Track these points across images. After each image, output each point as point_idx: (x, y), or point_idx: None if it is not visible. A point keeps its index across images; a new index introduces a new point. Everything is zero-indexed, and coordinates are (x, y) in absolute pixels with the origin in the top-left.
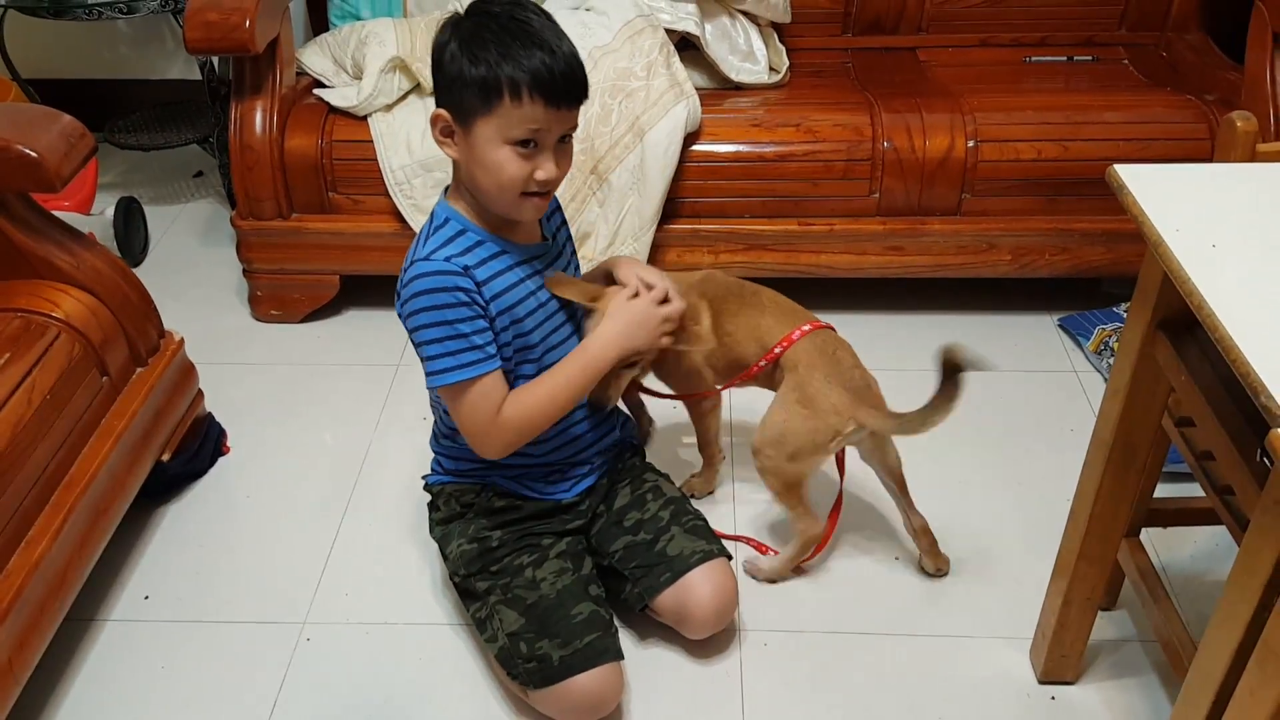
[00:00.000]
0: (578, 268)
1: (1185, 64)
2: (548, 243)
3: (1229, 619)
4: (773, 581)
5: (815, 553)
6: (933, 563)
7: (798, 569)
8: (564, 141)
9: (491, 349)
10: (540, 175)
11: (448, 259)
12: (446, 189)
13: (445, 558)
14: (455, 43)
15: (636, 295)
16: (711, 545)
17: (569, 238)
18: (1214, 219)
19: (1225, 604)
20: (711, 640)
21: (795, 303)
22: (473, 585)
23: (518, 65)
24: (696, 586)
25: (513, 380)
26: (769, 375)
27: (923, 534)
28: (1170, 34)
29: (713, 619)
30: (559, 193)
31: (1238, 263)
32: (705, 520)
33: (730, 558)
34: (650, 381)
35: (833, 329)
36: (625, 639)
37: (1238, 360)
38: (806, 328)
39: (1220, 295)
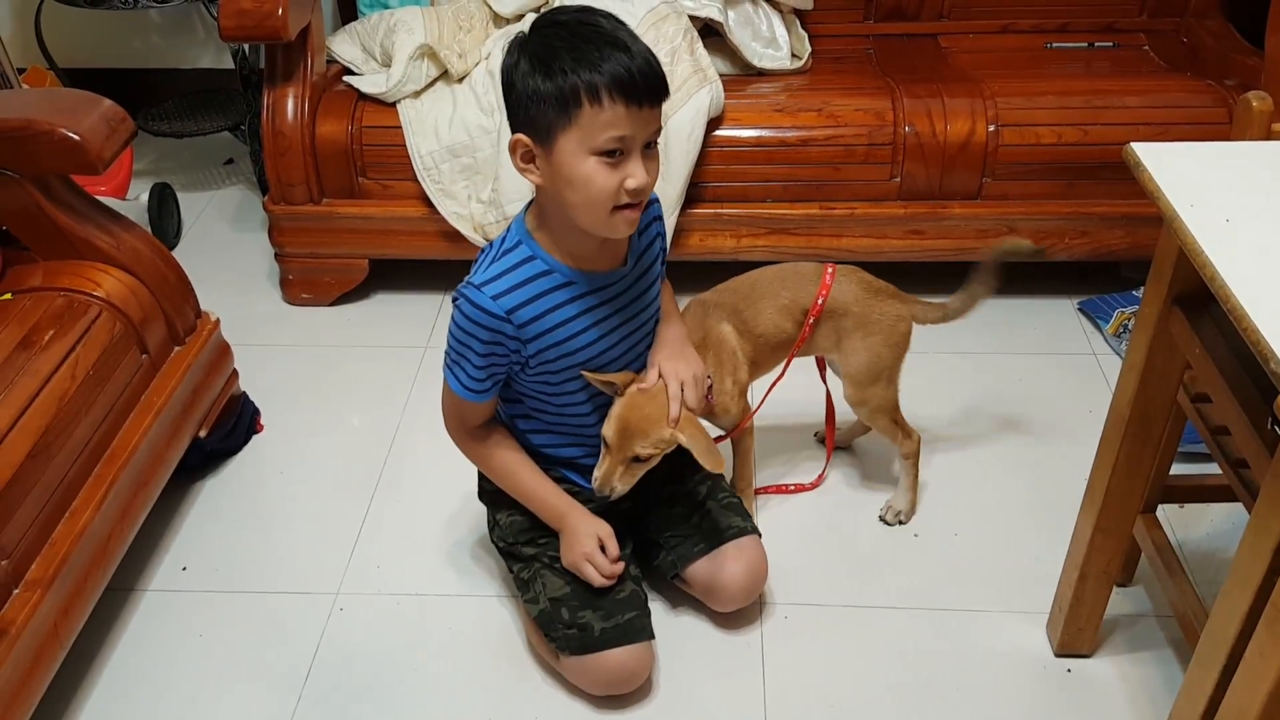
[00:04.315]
0: (659, 289)
1: (1205, 49)
2: (626, 268)
3: (1240, 583)
4: (912, 513)
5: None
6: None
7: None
8: (650, 148)
9: (485, 385)
10: (631, 184)
11: (496, 297)
12: (528, 205)
13: (494, 523)
14: (525, 60)
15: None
16: (745, 523)
17: (661, 253)
18: (1228, 195)
19: (1237, 569)
20: (735, 612)
21: (786, 265)
22: (519, 551)
23: (594, 68)
24: (729, 560)
25: (556, 389)
26: (814, 337)
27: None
28: (1191, 20)
29: (742, 593)
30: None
31: (1251, 237)
32: (740, 500)
33: (761, 536)
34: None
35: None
36: (652, 607)
37: (1249, 329)
38: (829, 273)
39: (1233, 268)
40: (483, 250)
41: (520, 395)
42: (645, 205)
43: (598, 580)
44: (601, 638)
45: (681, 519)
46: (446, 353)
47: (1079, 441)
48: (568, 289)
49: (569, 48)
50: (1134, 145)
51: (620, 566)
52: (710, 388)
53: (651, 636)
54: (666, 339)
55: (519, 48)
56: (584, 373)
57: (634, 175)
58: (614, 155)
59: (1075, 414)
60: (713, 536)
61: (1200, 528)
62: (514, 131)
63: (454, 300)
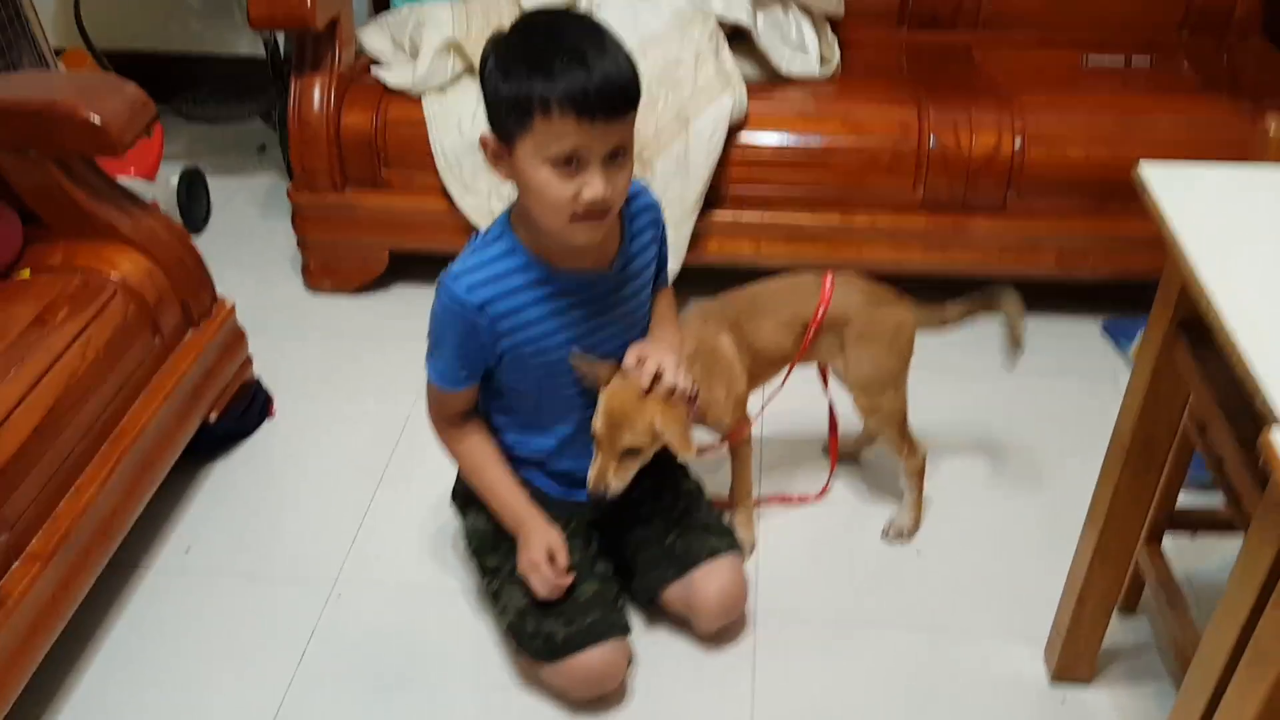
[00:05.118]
0: (647, 296)
1: (1245, 69)
2: (610, 271)
3: (1226, 620)
4: (915, 530)
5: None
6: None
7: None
8: (617, 157)
9: (462, 374)
10: (587, 194)
11: (471, 288)
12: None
13: (463, 527)
14: (493, 59)
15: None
16: (720, 542)
17: (656, 260)
18: (1235, 221)
19: (1224, 606)
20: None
21: (785, 277)
22: (484, 561)
23: (549, 79)
24: (702, 584)
25: (534, 385)
26: (816, 346)
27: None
28: (1232, 39)
29: (718, 615)
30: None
31: (1252, 265)
32: (718, 516)
33: (742, 554)
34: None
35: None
36: (642, 617)
37: (1239, 361)
38: (828, 283)
39: (1229, 296)
40: (471, 238)
41: (500, 389)
42: (605, 215)
43: (542, 591)
44: (565, 644)
45: (656, 541)
46: (427, 349)
47: (1092, 465)
48: (544, 286)
49: (529, 55)
50: (1144, 166)
51: (568, 579)
52: (694, 398)
53: (622, 633)
54: (655, 337)
55: (493, 45)
56: (573, 352)
57: (590, 186)
58: (569, 164)
59: (1091, 436)
60: (685, 560)
61: (1211, 559)
62: (490, 127)
63: (439, 285)
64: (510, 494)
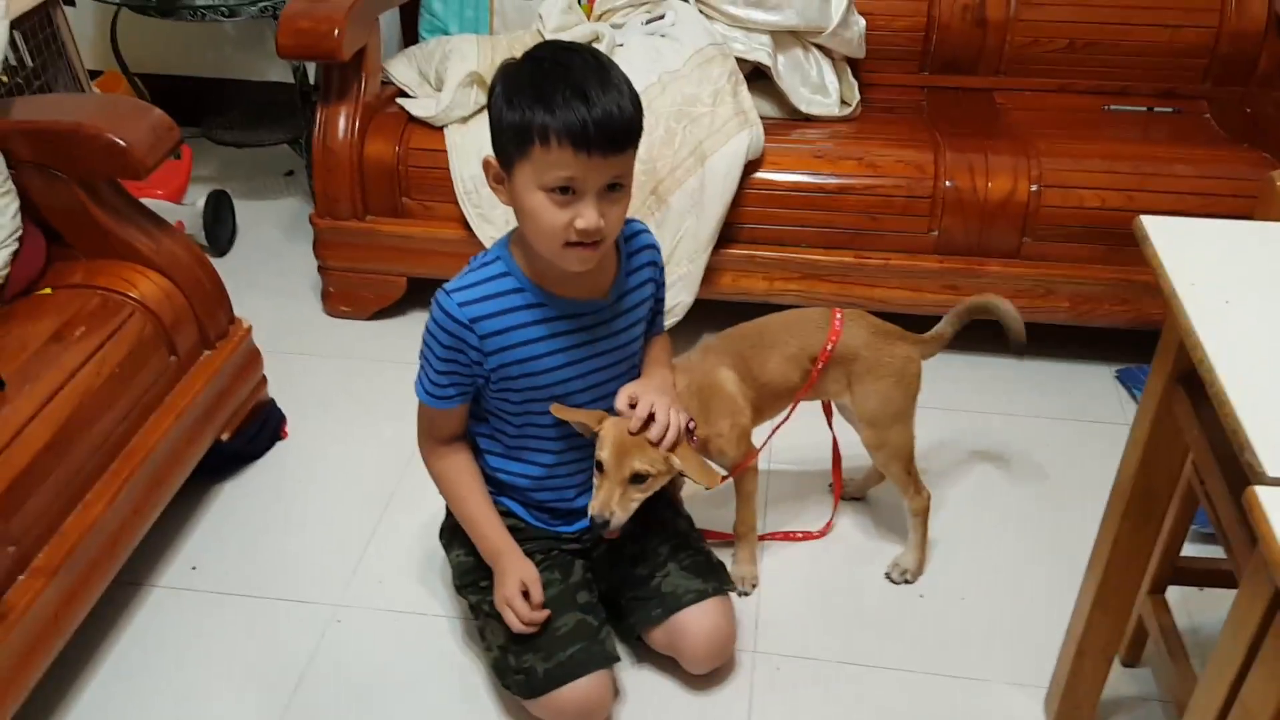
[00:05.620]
0: (640, 333)
1: (1268, 120)
2: (605, 302)
3: (1217, 676)
4: (919, 572)
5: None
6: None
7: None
8: (613, 190)
9: (449, 391)
10: (580, 224)
11: (463, 304)
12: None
13: (449, 563)
14: (500, 86)
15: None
16: (708, 584)
17: (652, 299)
18: (1233, 275)
19: (1214, 662)
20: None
21: (791, 311)
22: (466, 597)
23: (549, 110)
24: (688, 626)
25: (518, 409)
26: (822, 382)
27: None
28: (1255, 89)
29: (704, 658)
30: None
31: (1247, 320)
32: (708, 555)
33: (732, 593)
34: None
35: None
36: (633, 653)
37: (1228, 415)
38: (838, 318)
39: (1223, 350)
40: (471, 259)
41: (486, 413)
42: (598, 244)
43: (516, 626)
44: (546, 679)
45: (643, 581)
46: (419, 356)
47: (1100, 513)
48: (535, 310)
49: (533, 85)
50: (1144, 218)
51: (543, 615)
52: (693, 433)
53: (605, 664)
54: (648, 375)
55: (502, 73)
56: (554, 407)
57: (583, 216)
58: (565, 193)
59: (1100, 485)
60: (670, 602)
61: (1220, 611)
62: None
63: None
64: (491, 527)
